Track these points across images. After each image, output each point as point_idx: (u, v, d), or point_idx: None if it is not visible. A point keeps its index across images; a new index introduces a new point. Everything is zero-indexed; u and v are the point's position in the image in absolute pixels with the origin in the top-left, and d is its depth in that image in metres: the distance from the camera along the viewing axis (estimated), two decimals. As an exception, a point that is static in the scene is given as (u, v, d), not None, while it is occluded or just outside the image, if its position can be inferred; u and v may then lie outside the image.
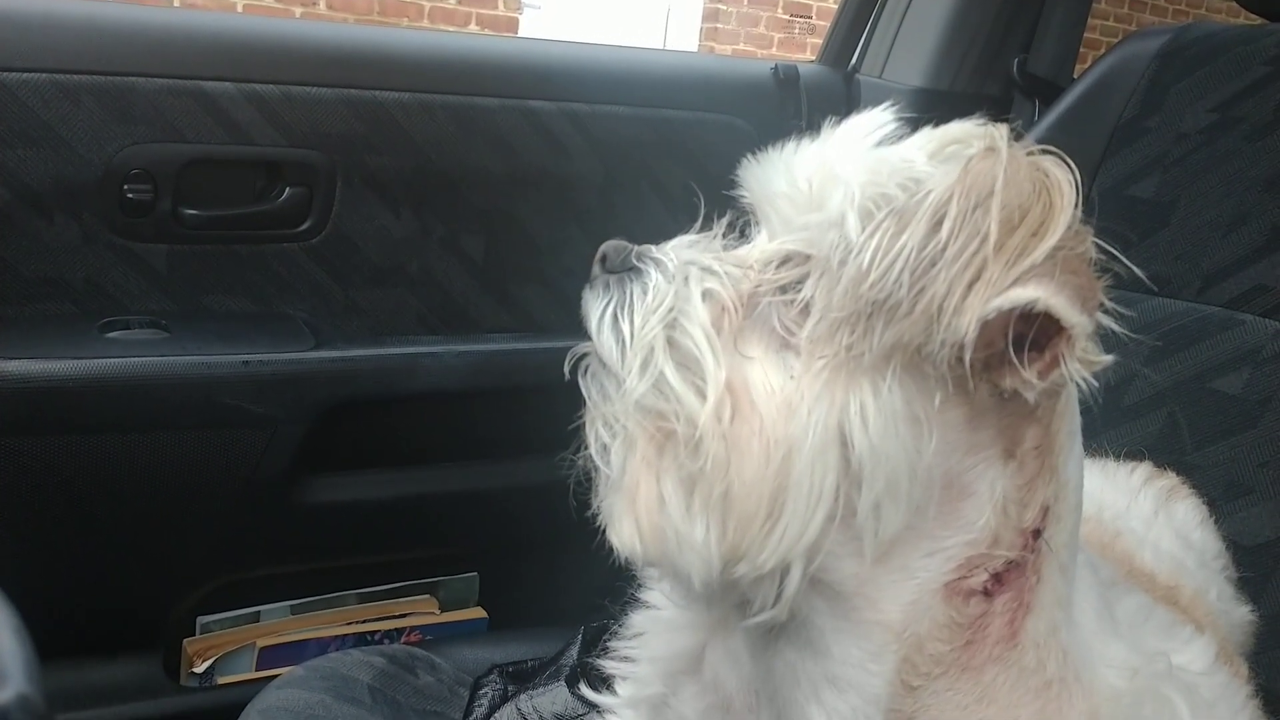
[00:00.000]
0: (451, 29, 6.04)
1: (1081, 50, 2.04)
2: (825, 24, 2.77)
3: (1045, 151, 0.73)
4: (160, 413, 1.59)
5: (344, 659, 1.52)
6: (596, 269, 0.81)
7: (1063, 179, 0.71)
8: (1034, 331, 0.69)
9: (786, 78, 1.98)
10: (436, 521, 1.79)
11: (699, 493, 0.72)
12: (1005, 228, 0.68)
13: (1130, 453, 1.26)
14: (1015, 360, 0.70)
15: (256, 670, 1.72)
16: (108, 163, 1.55)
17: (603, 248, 0.81)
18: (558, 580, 1.77)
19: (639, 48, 2.21)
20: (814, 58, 2.14)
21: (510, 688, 1.46)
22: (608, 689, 0.95)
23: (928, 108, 2.00)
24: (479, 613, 1.89)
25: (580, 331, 0.82)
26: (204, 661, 1.71)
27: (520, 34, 6.41)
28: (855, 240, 0.70)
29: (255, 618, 1.77)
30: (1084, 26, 2.04)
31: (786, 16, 7.39)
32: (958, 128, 0.75)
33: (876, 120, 0.78)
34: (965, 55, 2.00)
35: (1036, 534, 0.76)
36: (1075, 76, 1.91)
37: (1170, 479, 1.22)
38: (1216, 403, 1.43)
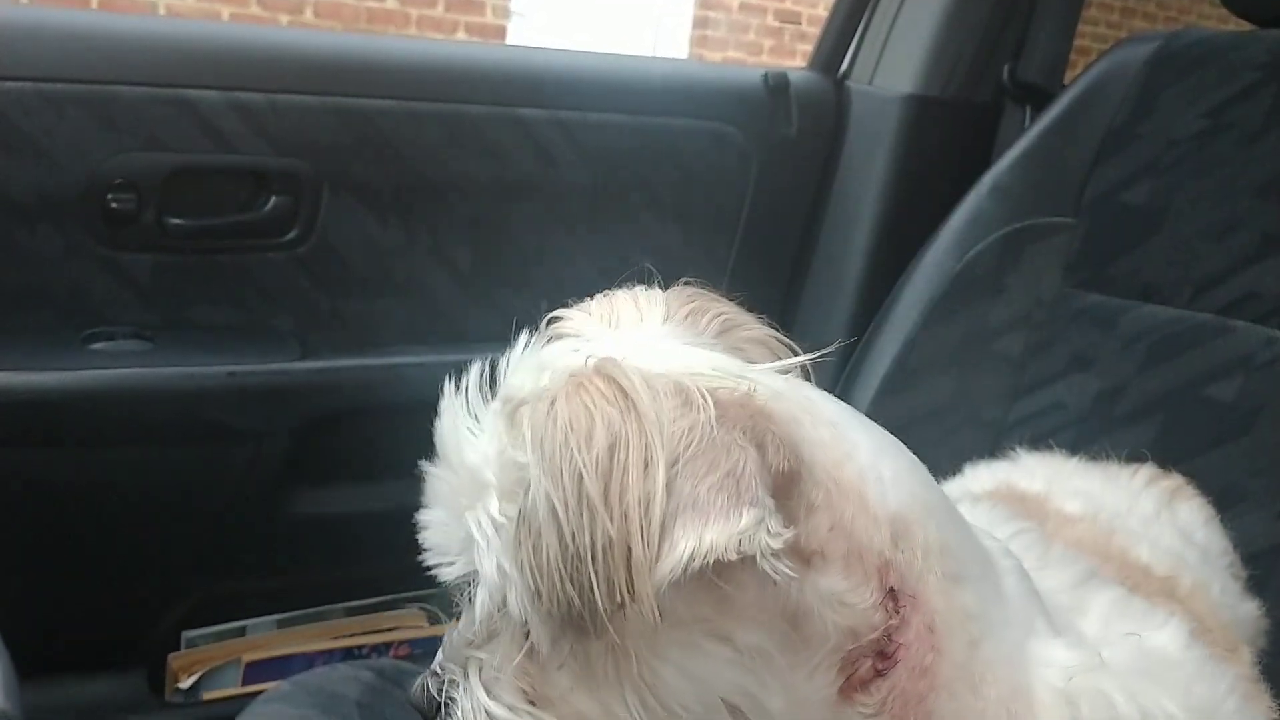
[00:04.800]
0: (439, 37, 6.03)
1: (1072, 57, 2.03)
2: (815, 30, 2.77)
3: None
4: (145, 425, 1.57)
5: (331, 674, 1.50)
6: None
7: (639, 399, 0.64)
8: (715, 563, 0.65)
9: (776, 85, 1.97)
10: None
11: None
12: (614, 490, 0.62)
13: (1133, 455, 1.25)
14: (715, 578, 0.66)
15: (243, 685, 1.71)
16: (91, 172, 1.53)
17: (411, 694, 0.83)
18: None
19: (628, 55, 2.20)
20: (804, 64, 2.13)
21: (500, 702, 1.44)
22: None
23: (919, 114, 1.99)
24: (468, 625, 1.87)
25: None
26: (189, 677, 1.69)
27: (508, 42, 6.40)
28: (494, 576, 0.70)
29: (241, 632, 1.75)
30: (1074, 33, 2.03)
31: (776, 24, 7.40)
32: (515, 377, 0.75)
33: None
34: (956, 61, 1.99)
35: (891, 592, 0.72)
36: (1066, 83, 1.91)
37: (1175, 480, 1.21)
38: (1209, 410, 1.42)
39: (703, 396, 0.65)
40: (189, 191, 1.60)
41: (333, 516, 1.75)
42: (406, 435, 1.73)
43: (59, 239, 1.54)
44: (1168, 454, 1.31)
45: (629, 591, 0.63)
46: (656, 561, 0.62)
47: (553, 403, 0.66)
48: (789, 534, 0.65)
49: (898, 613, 0.72)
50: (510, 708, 0.74)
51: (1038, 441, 1.32)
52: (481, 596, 0.74)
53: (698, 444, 0.64)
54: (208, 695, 1.70)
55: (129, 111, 1.53)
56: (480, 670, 0.77)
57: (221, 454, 1.63)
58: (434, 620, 1.87)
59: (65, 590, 1.61)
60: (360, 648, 1.79)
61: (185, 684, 1.69)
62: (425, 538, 0.80)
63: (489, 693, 0.76)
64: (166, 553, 1.66)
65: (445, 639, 0.82)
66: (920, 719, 0.73)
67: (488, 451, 0.73)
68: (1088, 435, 1.46)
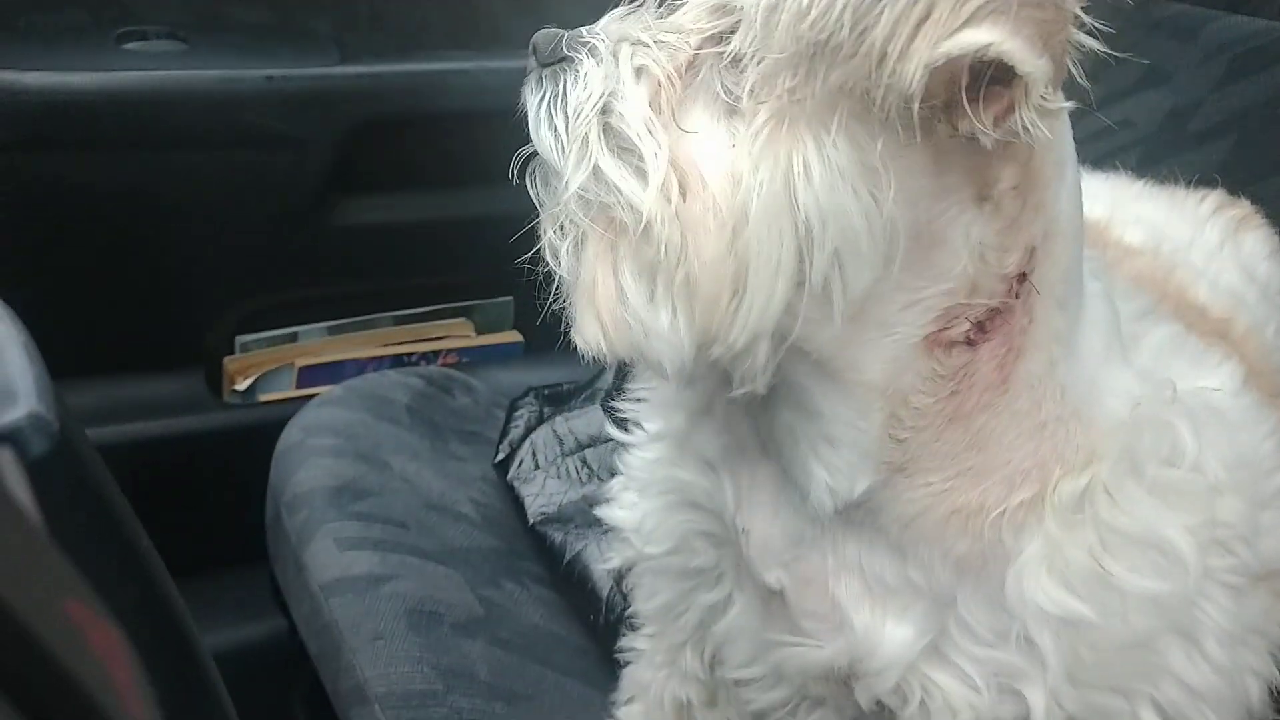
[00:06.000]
0: None
1: None
2: None
3: None
4: (182, 129, 1.54)
5: (381, 379, 1.54)
6: (530, 62, 0.75)
7: None
8: (991, 71, 0.63)
9: None
10: (470, 244, 1.76)
11: (660, 280, 0.69)
12: None
13: (1202, 180, 1.20)
14: (967, 105, 0.64)
15: (296, 389, 1.75)
16: None
17: (534, 38, 0.75)
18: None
19: None
20: None
21: (546, 410, 1.48)
22: (629, 427, 0.95)
23: None
24: (514, 336, 1.90)
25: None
26: (245, 379, 1.74)
27: None
28: None
29: (293, 338, 1.78)
30: None
31: None
32: None
33: None
34: None
35: (1023, 277, 0.72)
36: None
37: (1243, 208, 1.16)
38: (1288, 129, 1.35)
39: None
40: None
41: (379, 225, 1.74)
42: (450, 144, 1.72)
43: (83, -70, 1.47)
44: (1238, 175, 1.25)
45: (906, 44, 0.61)
46: (947, 35, 0.61)
47: None
48: (1059, 105, 0.65)
49: (1016, 297, 0.72)
50: (644, 119, 0.71)
51: (1102, 161, 1.26)
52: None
53: None
54: (263, 397, 1.75)
55: None
56: (633, 57, 0.73)
57: (263, 160, 1.60)
58: (481, 330, 1.89)
59: (116, 294, 1.63)
60: (409, 355, 1.82)
61: (242, 386, 1.74)
62: None
63: (628, 82, 0.72)
64: (216, 259, 1.67)
65: (609, 18, 0.76)
66: (979, 412, 0.73)
67: None
68: (1155, 154, 1.40)
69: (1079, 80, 0.68)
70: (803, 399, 0.75)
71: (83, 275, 1.58)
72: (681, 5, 0.74)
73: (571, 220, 0.72)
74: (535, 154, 0.75)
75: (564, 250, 0.73)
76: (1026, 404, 0.74)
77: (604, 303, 0.71)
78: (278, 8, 1.62)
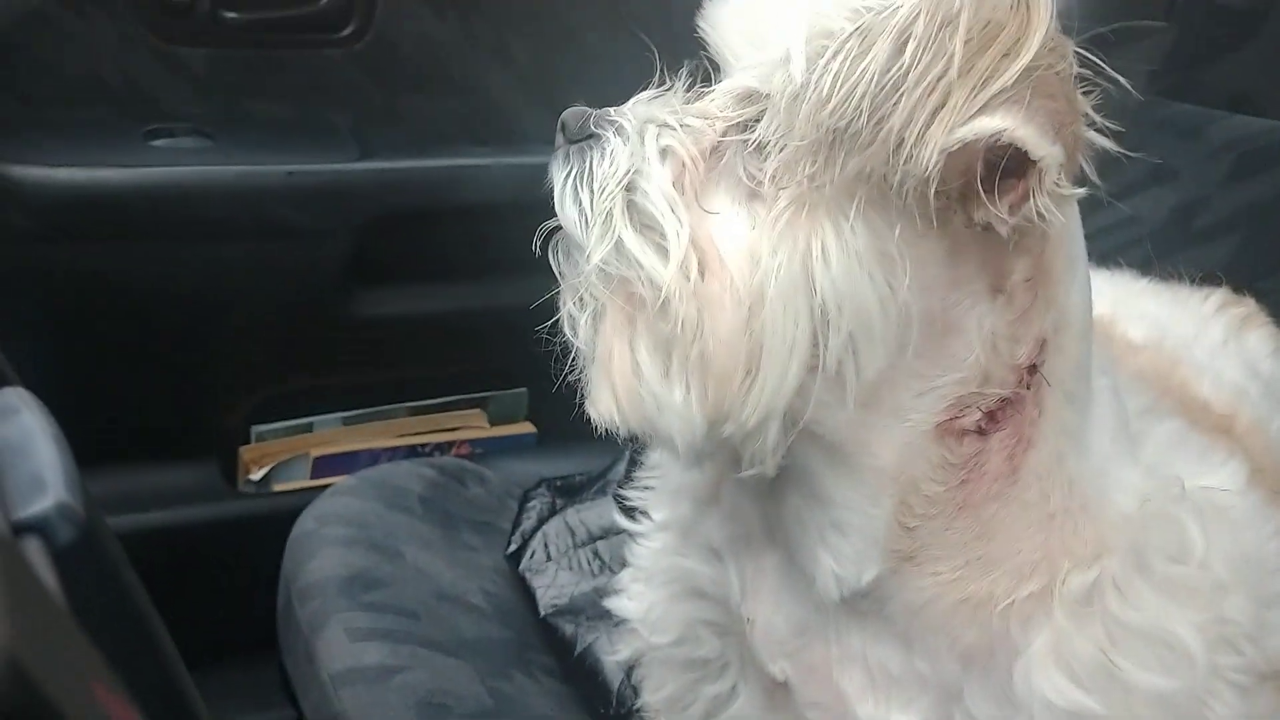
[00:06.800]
0: None
1: None
2: None
3: None
4: (206, 221, 1.58)
5: (396, 470, 1.55)
6: (559, 139, 0.78)
7: None
8: (1006, 160, 0.65)
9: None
10: (485, 336, 1.79)
11: (675, 355, 0.70)
12: (974, 48, 0.63)
13: (1207, 277, 1.21)
14: (983, 193, 0.66)
15: (311, 478, 1.76)
16: (143, -39, 1.50)
17: (562, 116, 0.78)
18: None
19: None
20: None
21: (558, 501, 1.48)
22: (637, 516, 0.96)
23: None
24: (527, 427, 1.91)
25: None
26: (260, 469, 1.75)
27: None
28: (800, 79, 0.66)
29: (309, 428, 1.79)
30: None
31: None
32: None
33: None
34: None
35: (1033, 369, 0.73)
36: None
37: (1247, 306, 1.18)
38: (1293, 228, 1.37)
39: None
40: (244, -17, 1.57)
41: (395, 316, 1.76)
42: (465, 237, 1.75)
43: (112, 29, 1.52)
44: (1242, 272, 1.27)
45: (923, 130, 0.63)
46: (963, 122, 0.63)
47: None
48: (1071, 192, 0.67)
49: (1027, 388, 0.73)
50: (668, 198, 0.72)
51: (1108, 257, 1.28)
52: (741, 83, 0.72)
53: (1061, 74, 0.66)
54: (278, 486, 1.76)
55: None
56: (658, 138, 0.74)
57: (283, 252, 1.64)
58: (494, 421, 1.90)
59: (137, 384, 1.65)
60: (423, 445, 1.83)
61: (257, 475, 1.75)
62: (726, 23, 0.75)
63: (653, 162, 0.73)
64: (234, 347, 1.69)
65: (636, 101, 0.78)
66: (988, 502, 0.74)
67: None
68: (1161, 250, 1.42)
69: (1089, 176, 0.70)
70: (812, 484, 0.76)
71: (104, 363, 1.61)
72: (707, 91, 0.76)
73: (591, 293, 0.74)
74: (558, 228, 0.77)
75: (582, 322, 0.75)
76: (1036, 495, 0.75)
77: (619, 375, 0.72)
78: (299, 103, 1.66)
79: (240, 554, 1.62)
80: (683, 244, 0.70)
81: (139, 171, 1.54)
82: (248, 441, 1.77)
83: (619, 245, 0.72)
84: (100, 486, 1.60)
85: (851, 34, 0.65)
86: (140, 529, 1.62)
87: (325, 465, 1.76)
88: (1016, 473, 0.74)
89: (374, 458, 1.76)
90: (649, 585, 0.93)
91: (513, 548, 1.42)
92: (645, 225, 0.72)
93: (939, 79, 0.63)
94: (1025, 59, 0.64)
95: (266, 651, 1.40)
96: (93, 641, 0.35)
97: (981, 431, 0.73)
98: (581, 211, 0.74)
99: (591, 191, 0.74)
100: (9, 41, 1.48)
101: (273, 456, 1.76)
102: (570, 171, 0.76)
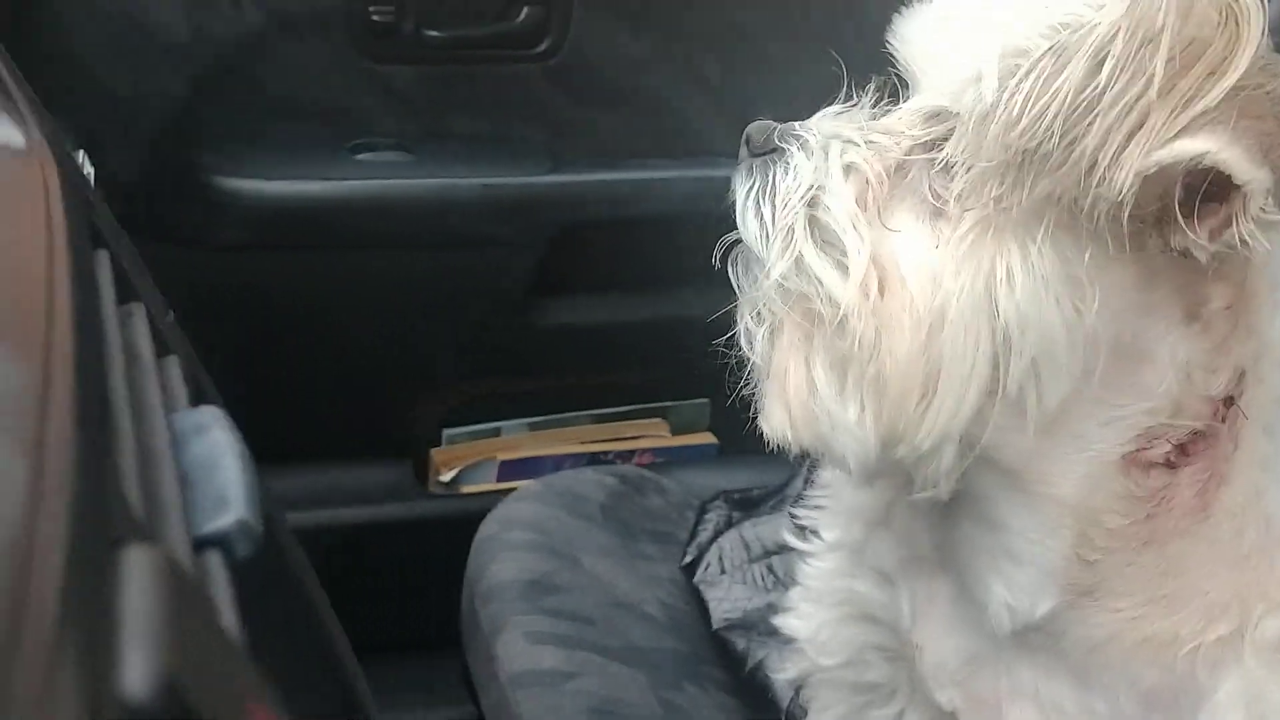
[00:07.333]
0: None
1: None
2: None
3: None
4: (403, 233, 1.65)
5: (578, 477, 1.58)
6: (743, 152, 0.77)
7: (1252, 4, 0.62)
8: (1207, 184, 0.61)
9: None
10: (668, 346, 1.80)
11: (851, 374, 0.69)
12: (1176, 67, 0.60)
13: None
14: (1181, 218, 0.62)
15: (497, 481, 1.81)
16: (354, -16, 1.57)
17: (747, 130, 0.77)
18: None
19: None
20: None
21: (735, 514, 1.48)
22: (808, 535, 0.95)
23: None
24: (709, 438, 1.91)
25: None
26: (450, 471, 1.81)
27: None
28: (991, 98, 0.64)
29: (496, 433, 1.85)
30: None
31: None
32: None
33: None
34: None
35: (1230, 401, 0.69)
36: None
37: None
38: None
39: None
40: (446, 2, 1.62)
41: (579, 326, 1.80)
42: (650, 248, 1.77)
43: (325, 50, 1.60)
44: None
45: (1118, 152, 0.61)
46: (1162, 144, 0.61)
47: None
48: (1274, 223, 0.63)
49: (1221, 420, 0.70)
50: (850, 214, 0.71)
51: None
52: (930, 101, 0.72)
53: (1271, 94, 0.62)
54: (466, 488, 1.82)
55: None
56: (843, 154, 0.74)
57: (476, 262, 1.69)
58: (676, 431, 1.91)
59: (337, 385, 1.73)
60: (605, 453, 1.86)
61: (446, 477, 1.81)
62: (916, 39, 0.74)
63: (836, 178, 0.72)
64: (426, 355, 1.76)
65: (821, 116, 0.77)
66: (1175, 538, 0.71)
67: None
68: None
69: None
70: (987, 510, 0.74)
71: (302, 367, 1.69)
72: (894, 108, 0.75)
73: (769, 308, 0.73)
74: (738, 241, 0.77)
75: (759, 337, 0.74)
76: (1228, 533, 0.71)
77: (793, 392, 0.72)
78: (495, 118, 1.71)
79: (428, 552, 1.68)
80: (863, 261, 0.69)
81: (344, 185, 1.62)
82: (439, 444, 1.83)
83: (799, 261, 0.72)
84: (300, 484, 1.69)
85: (1045, 53, 0.63)
86: (337, 523, 1.71)
87: (511, 469, 1.80)
88: (1208, 509, 0.71)
89: (557, 463, 1.80)
90: (818, 606, 0.92)
91: (688, 559, 1.42)
92: (826, 241, 0.71)
93: (1137, 99, 0.60)
94: (1232, 78, 0.60)
95: (446, 648, 1.45)
96: (266, 649, 0.37)
97: (1170, 465, 0.70)
98: (763, 226, 0.74)
99: (773, 206, 0.74)
100: (229, 63, 1.57)
101: (461, 459, 1.81)
102: (753, 185, 0.76)
